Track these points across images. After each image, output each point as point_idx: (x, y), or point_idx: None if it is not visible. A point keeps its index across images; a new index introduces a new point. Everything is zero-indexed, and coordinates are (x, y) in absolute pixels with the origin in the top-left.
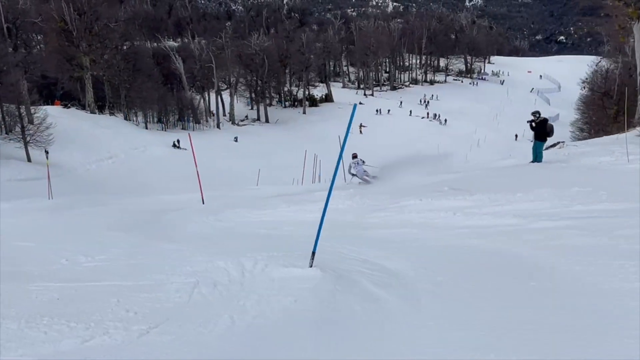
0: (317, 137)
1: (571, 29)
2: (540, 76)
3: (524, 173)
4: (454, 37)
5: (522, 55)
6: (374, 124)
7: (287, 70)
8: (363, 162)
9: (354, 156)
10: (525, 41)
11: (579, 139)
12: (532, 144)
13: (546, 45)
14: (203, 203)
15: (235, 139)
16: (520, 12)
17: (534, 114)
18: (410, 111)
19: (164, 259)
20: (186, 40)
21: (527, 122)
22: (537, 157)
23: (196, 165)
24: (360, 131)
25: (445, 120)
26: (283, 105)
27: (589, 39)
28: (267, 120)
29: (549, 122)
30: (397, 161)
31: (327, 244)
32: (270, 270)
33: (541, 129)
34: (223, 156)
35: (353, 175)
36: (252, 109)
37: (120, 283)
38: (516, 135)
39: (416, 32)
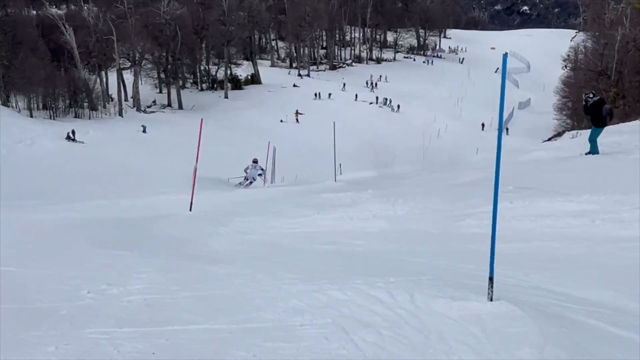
0: (245, 127)
1: None
2: (506, 53)
3: (602, 167)
4: (403, 5)
5: (482, 29)
6: (313, 110)
7: (203, 45)
8: (262, 169)
9: (255, 161)
10: (484, 12)
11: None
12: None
13: (507, 17)
14: (190, 210)
15: (144, 129)
16: None
17: (587, 94)
18: (356, 95)
19: (234, 287)
20: (76, 6)
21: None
22: (593, 147)
23: (197, 161)
24: (297, 119)
25: (398, 107)
26: (199, 87)
27: (556, 10)
28: (180, 107)
29: (605, 105)
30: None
31: (448, 263)
32: (434, 305)
33: (596, 112)
34: (129, 151)
35: (246, 177)
36: (160, 92)
37: (215, 326)
38: (483, 125)
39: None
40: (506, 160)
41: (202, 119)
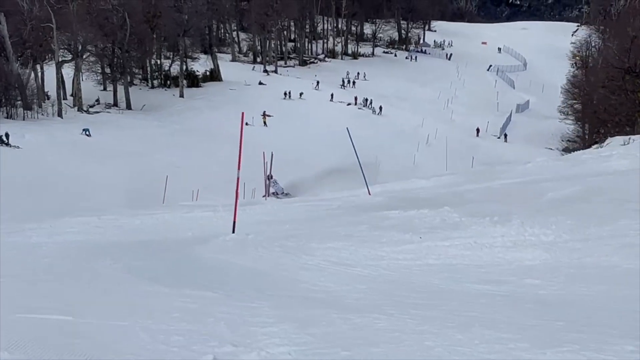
0: (204, 131)
1: None
2: (499, 49)
3: None
4: None
5: (469, 21)
6: (282, 112)
7: (154, 35)
8: (276, 181)
9: (270, 177)
10: (471, 2)
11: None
12: (499, 140)
13: (494, 9)
14: (234, 232)
15: (87, 133)
16: None
17: None
18: (332, 95)
19: (422, 348)
20: None
21: None
22: None
23: (239, 167)
24: (264, 122)
25: (380, 109)
26: (150, 84)
27: (550, 1)
28: (128, 106)
29: None
30: None
31: None
32: None
33: None
34: (72, 158)
35: (274, 193)
36: (104, 89)
37: None
38: (478, 130)
39: None
40: (594, 170)
41: (242, 113)
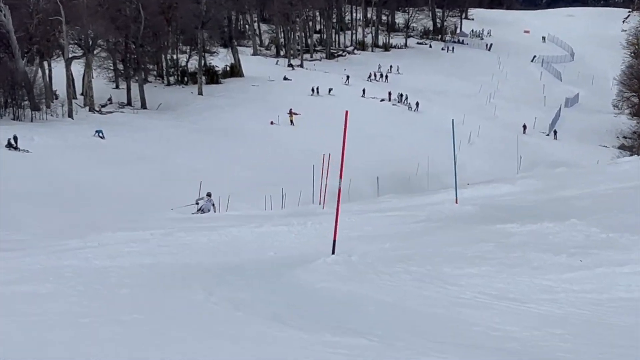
0: (226, 131)
1: None
2: (544, 38)
3: None
4: None
5: (508, 7)
6: (310, 109)
7: (170, 28)
8: (214, 205)
9: (209, 194)
10: None
11: None
12: (547, 138)
13: None
14: (333, 252)
15: (100, 134)
16: None
17: None
18: (364, 90)
19: None
20: None
21: None
22: None
23: (341, 175)
24: (291, 121)
25: (417, 105)
26: (166, 81)
27: None
28: (143, 106)
29: None
30: None
31: None
32: None
33: None
34: (87, 163)
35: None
36: (117, 87)
37: None
38: (524, 126)
39: None
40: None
41: (347, 111)
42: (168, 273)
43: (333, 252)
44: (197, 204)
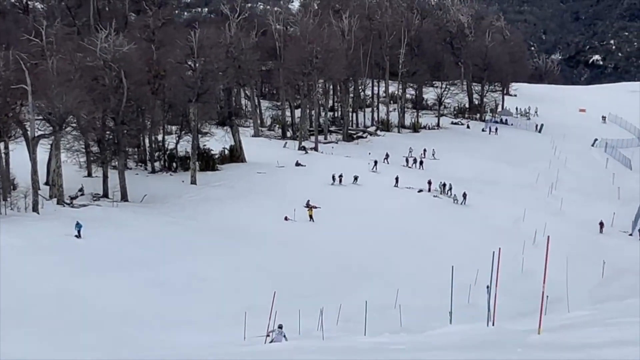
0: (231, 229)
1: (612, 42)
2: (604, 118)
3: None
4: (447, 45)
5: (551, 82)
6: (333, 202)
7: (157, 102)
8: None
9: (280, 327)
10: (551, 61)
11: None
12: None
13: (569, 71)
14: None
15: (78, 233)
16: (523, 11)
17: None
18: (397, 178)
19: None
20: None
21: None
22: None
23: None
24: (310, 216)
25: (464, 196)
26: (150, 168)
27: None
28: (124, 197)
29: None
30: None
31: None
32: None
33: None
34: (60, 269)
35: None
36: (89, 175)
37: None
38: (601, 224)
39: (383, 37)
40: None
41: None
42: None
43: None
44: (269, 335)
